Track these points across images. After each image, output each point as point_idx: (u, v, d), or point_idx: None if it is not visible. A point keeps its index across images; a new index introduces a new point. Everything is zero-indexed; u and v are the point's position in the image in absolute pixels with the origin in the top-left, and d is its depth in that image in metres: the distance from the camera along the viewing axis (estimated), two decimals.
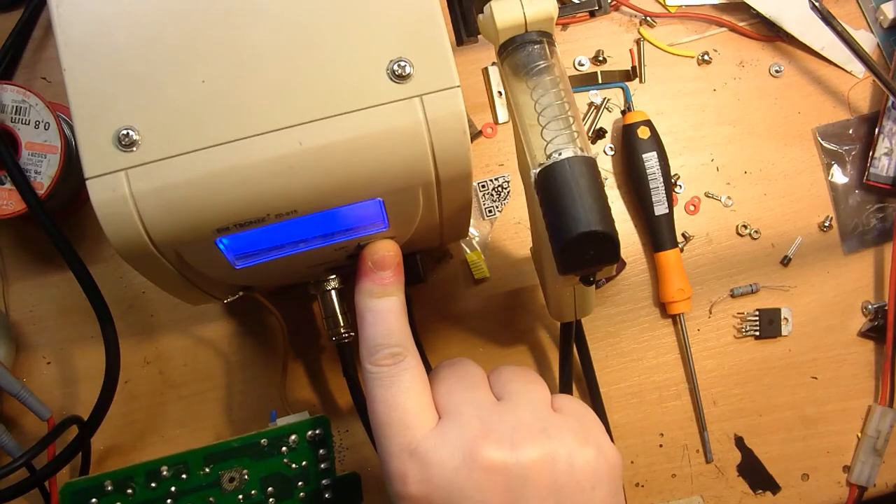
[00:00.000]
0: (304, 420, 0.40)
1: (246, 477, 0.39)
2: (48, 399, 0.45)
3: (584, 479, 0.31)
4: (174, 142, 0.30)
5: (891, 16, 0.52)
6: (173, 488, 0.39)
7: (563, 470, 0.31)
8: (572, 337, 0.44)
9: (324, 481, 0.40)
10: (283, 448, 0.40)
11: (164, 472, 0.39)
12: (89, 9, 0.31)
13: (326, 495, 0.40)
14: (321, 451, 0.40)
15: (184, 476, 0.39)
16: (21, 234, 0.48)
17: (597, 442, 0.32)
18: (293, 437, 0.40)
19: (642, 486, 0.48)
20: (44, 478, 0.41)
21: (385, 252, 0.35)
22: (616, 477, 0.33)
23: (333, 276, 0.40)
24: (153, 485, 0.39)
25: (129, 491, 0.38)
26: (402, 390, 0.32)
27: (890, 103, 0.50)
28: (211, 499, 0.39)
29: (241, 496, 0.39)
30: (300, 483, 0.40)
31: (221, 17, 0.31)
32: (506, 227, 0.50)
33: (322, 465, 0.40)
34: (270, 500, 0.40)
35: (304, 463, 0.40)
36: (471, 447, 0.30)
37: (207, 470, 0.39)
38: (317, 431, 0.40)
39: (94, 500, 0.38)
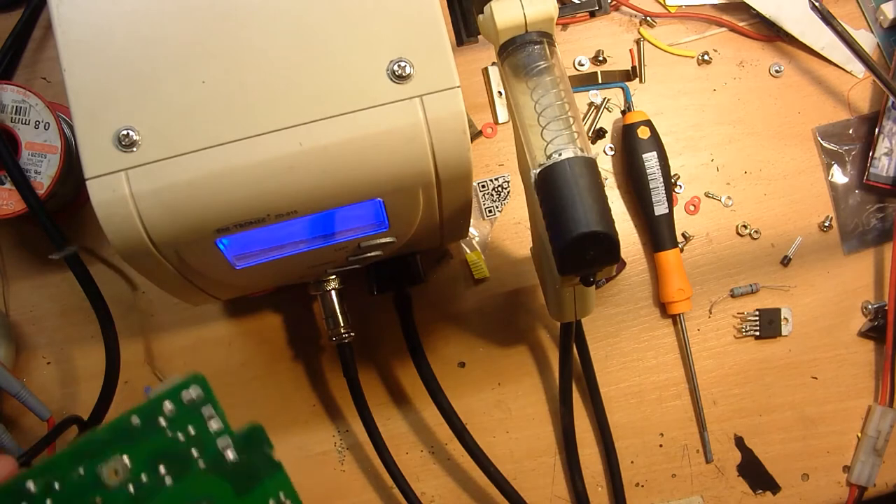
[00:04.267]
0: (174, 385, 0.34)
1: (128, 464, 0.33)
2: (48, 399, 0.45)
3: None
4: (174, 142, 0.30)
5: (891, 16, 0.52)
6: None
7: None
8: (572, 337, 0.44)
9: (220, 442, 0.34)
10: (161, 420, 0.34)
11: (32, 488, 0.32)
12: (89, 9, 0.31)
13: (230, 455, 0.34)
14: (204, 411, 0.34)
15: (56, 486, 0.32)
16: (21, 234, 0.48)
17: None
18: (168, 405, 0.34)
19: (642, 486, 0.48)
20: None
21: None
22: None
23: (333, 276, 0.40)
24: None
25: None
26: None
27: (890, 103, 0.50)
28: (98, 499, 0.32)
29: (131, 486, 0.33)
30: (194, 452, 0.34)
31: (222, 17, 0.31)
32: (506, 227, 0.50)
33: (213, 426, 0.34)
34: (167, 479, 0.33)
35: (190, 429, 0.34)
36: None
37: (81, 471, 0.33)
38: (191, 391, 0.34)
39: None
